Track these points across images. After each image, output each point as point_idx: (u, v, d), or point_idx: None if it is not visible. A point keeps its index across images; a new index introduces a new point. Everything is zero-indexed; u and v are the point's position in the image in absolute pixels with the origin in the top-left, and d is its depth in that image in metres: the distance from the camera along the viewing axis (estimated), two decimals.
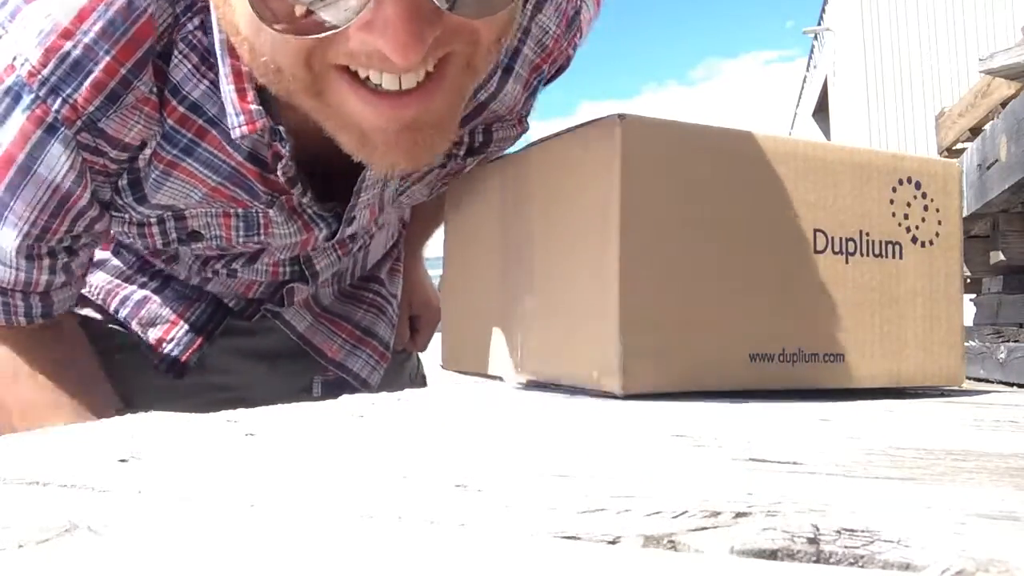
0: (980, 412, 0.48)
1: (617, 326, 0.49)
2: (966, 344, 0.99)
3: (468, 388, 0.58)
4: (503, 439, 0.34)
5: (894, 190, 0.58)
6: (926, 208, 0.60)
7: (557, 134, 0.57)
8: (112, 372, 0.72)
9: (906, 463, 0.30)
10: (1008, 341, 0.93)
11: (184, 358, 0.75)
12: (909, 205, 0.59)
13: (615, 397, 0.49)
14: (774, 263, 0.54)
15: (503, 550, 0.18)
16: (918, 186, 0.59)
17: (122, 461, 0.27)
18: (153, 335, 0.75)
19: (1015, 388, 0.68)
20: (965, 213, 1.08)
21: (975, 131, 1.45)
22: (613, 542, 0.19)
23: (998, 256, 1.15)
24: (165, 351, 0.74)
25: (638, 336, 0.49)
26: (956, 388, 0.63)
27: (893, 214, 0.58)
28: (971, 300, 1.47)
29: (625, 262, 0.49)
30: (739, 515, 0.21)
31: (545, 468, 0.27)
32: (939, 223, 0.60)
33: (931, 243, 0.60)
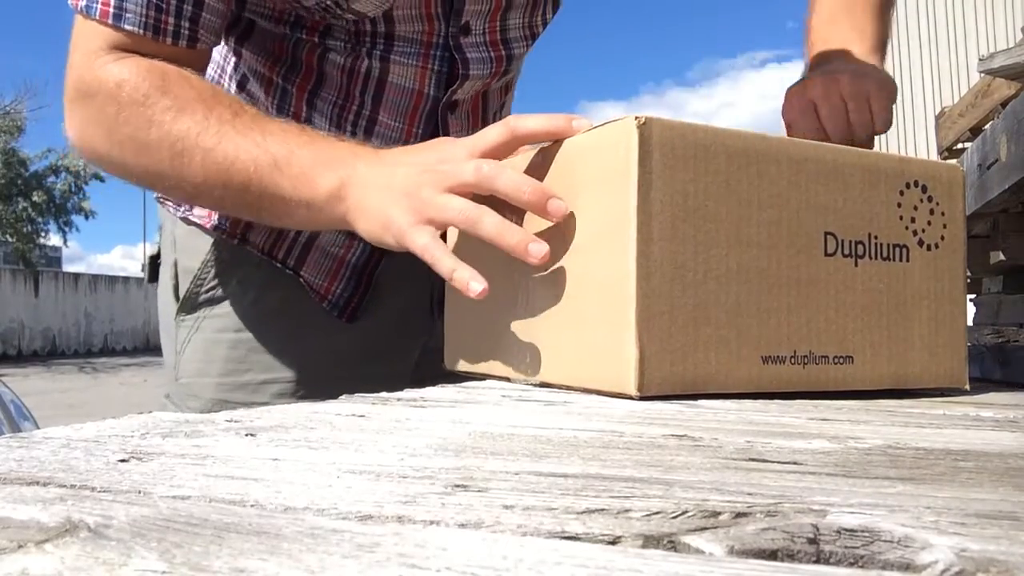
0: (980, 412, 0.48)
1: (634, 329, 0.49)
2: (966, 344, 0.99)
3: (469, 388, 0.58)
4: (503, 439, 0.34)
5: (901, 193, 0.59)
6: (931, 211, 0.60)
7: (554, 142, 0.57)
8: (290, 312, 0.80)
9: (906, 463, 0.30)
10: (1008, 341, 0.93)
11: (353, 303, 0.80)
12: (915, 208, 0.59)
13: (630, 398, 0.49)
14: (786, 265, 0.54)
15: (503, 550, 0.18)
16: (924, 189, 0.60)
17: (122, 461, 0.27)
18: (320, 282, 0.80)
19: (1015, 388, 0.68)
20: (965, 213, 1.08)
21: (975, 131, 1.45)
22: (613, 542, 0.19)
23: (998, 256, 1.15)
24: (334, 296, 0.80)
25: (654, 339, 0.49)
26: (955, 387, 0.63)
27: (900, 217, 0.59)
28: (971, 300, 1.47)
29: (641, 264, 0.49)
30: (739, 515, 0.21)
31: (545, 468, 0.27)
32: (944, 226, 0.60)
33: (936, 246, 0.60)
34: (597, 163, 0.53)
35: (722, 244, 0.52)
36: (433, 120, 0.79)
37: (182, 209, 0.82)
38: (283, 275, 0.79)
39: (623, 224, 0.50)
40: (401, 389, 0.78)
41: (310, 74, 0.76)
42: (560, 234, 0.56)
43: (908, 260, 0.59)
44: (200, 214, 0.80)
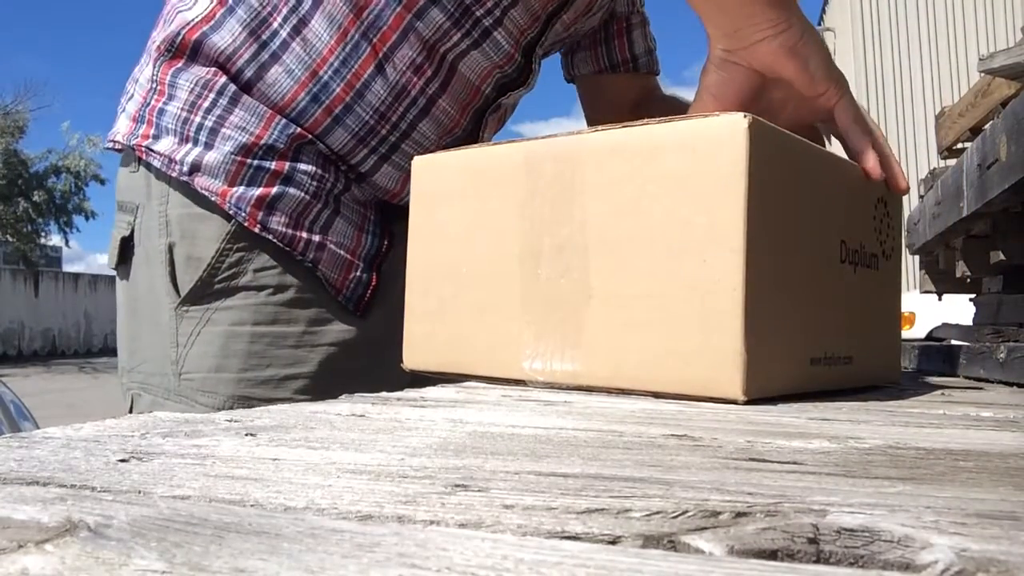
0: (980, 412, 0.48)
1: (741, 334, 0.48)
2: (966, 344, 1.02)
3: (469, 388, 0.58)
4: (503, 439, 0.34)
5: (875, 206, 0.63)
6: (890, 225, 0.65)
7: (627, 125, 0.54)
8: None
9: (906, 463, 0.30)
10: (1008, 341, 0.93)
11: (366, 297, 0.80)
12: (881, 221, 0.64)
13: (732, 403, 0.48)
14: (822, 271, 0.57)
15: (503, 550, 0.18)
16: (885, 204, 0.65)
17: (122, 461, 0.27)
18: (335, 275, 0.79)
19: (1015, 388, 0.68)
20: (965, 213, 1.08)
21: (975, 131, 1.45)
22: (613, 542, 0.19)
23: (998, 256, 1.15)
24: (348, 290, 0.79)
25: (755, 343, 0.49)
26: (955, 387, 0.66)
27: (876, 229, 0.63)
28: (971, 300, 1.47)
29: (749, 270, 0.48)
30: (739, 515, 0.21)
31: (545, 468, 0.27)
32: (893, 239, 0.66)
33: (889, 257, 0.65)
34: (688, 157, 0.50)
35: (790, 251, 0.53)
36: (478, 117, 0.81)
37: (177, 169, 0.75)
38: (298, 267, 0.77)
39: (728, 227, 0.48)
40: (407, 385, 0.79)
41: (390, 35, 0.75)
42: (620, 233, 0.53)
43: (878, 268, 0.63)
44: (212, 188, 0.74)
